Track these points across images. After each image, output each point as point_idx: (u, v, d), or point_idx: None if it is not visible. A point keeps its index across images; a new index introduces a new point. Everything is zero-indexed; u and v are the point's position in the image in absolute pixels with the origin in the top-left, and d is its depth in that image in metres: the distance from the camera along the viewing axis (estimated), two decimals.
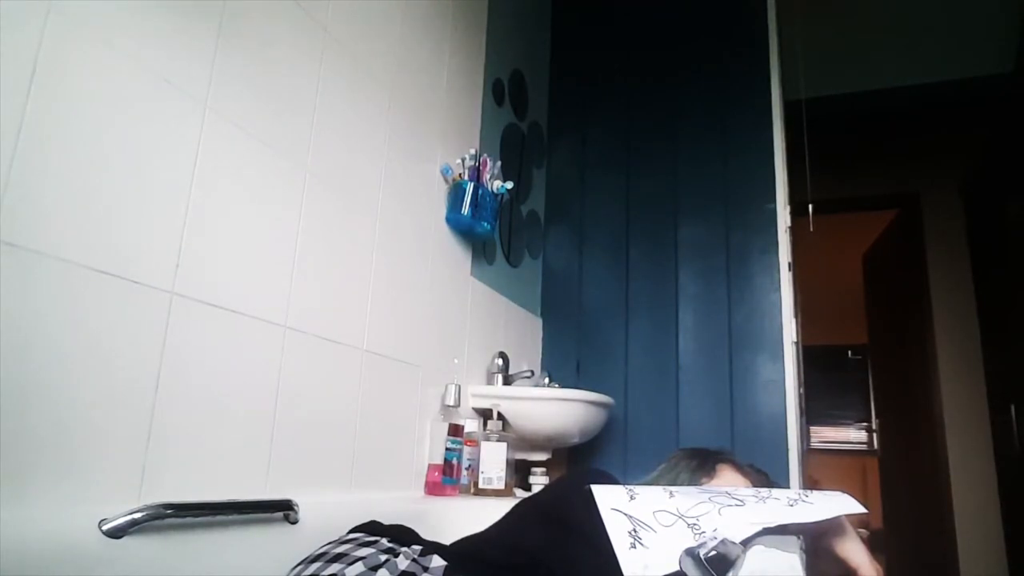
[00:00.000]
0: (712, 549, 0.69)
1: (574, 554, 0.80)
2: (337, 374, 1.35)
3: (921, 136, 3.69)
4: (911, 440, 3.73)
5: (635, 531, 0.70)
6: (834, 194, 3.71)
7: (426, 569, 0.78)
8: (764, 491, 0.76)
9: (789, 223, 2.22)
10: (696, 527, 0.70)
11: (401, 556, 0.80)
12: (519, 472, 2.04)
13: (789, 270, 2.18)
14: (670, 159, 2.44)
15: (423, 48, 1.75)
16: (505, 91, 2.25)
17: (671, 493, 0.77)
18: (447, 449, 1.63)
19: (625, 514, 0.72)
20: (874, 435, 4.88)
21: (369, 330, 1.46)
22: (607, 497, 0.75)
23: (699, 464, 1.12)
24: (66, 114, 0.84)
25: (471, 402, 1.89)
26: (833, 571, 0.73)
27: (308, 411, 1.25)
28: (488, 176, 1.87)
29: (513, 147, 2.29)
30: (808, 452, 2.27)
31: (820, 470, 4.95)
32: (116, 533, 0.78)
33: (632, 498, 0.75)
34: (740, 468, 1.13)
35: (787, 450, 2.03)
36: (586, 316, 2.43)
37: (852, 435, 6.01)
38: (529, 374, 2.16)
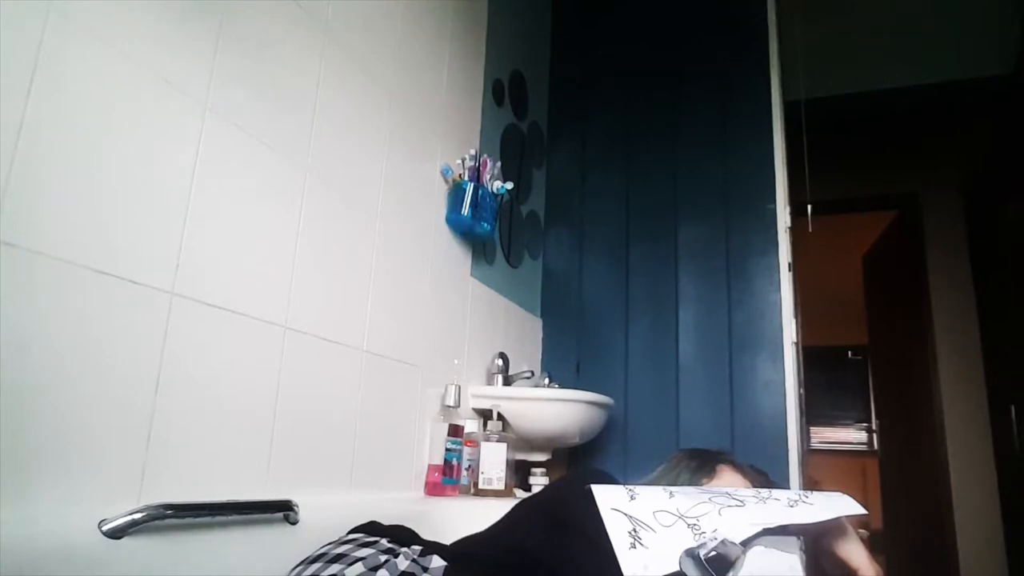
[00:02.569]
0: (712, 550, 0.69)
1: (574, 554, 0.80)
2: (337, 374, 1.35)
3: (921, 137, 3.69)
4: (911, 440, 3.73)
5: (635, 531, 0.70)
6: (834, 195, 3.70)
7: (426, 569, 0.78)
8: (764, 492, 0.76)
9: (789, 224, 2.22)
10: (696, 527, 0.70)
11: (401, 556, 0.80)
12: (519, 473, 2.04)
13: (789, 271, 2.18)
14: (670, 159, 2.44)
15: (423, 48, 1.75)
16: (505, 91, 2.25)
17: (671, 493, 0.77)
18: (447, 450, 1.63)
19: (625, 514, 0.72)
20: (874, 435, 4.88)
21: (369, 330, 1.46)
22: (607, 497, 0.75)
23: (699, 465, 1.12)
24: (66, 114, 0.84)
25: (471, 403, 1.89)
26: (833, 572, 0.72)
27: (308, 411, 1.25)
28: (488, 176, 1.87)
29: (513, 147, 2.29)
30: (808, 452, 2.27)
31: (820, 470, 4.95)
32: (116, 533, 0.78)
33: (632, 498, 0.75)
34: (740, 469, 1.13)
35: (787, 451, 2.03)
36: (586, 317, 2.43)
37: (852, 435, 6.01)
38: (529, 375, 2.15)
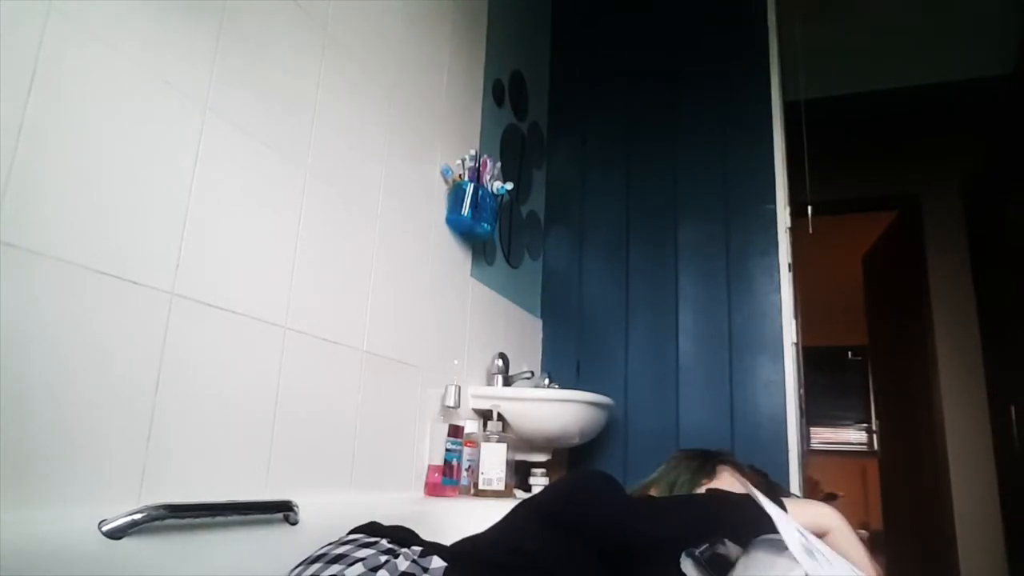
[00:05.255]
0: (710, 550, 0.69)
1: (574, 555, 0.80)
2: (337, 375, 1.35)
3: (921, 137, 3.69)
4: (911, 440, 3.73)
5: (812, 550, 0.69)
6: (834, 195, 3.70)
7: (426, 570, 0.78)
8: None
9: (789, 224, 2.22)
10: None
11: (401, 557, 0.80)
12: (519, 473, 2.04)
13: (789, 271, 2.18)
14: (670, 159, 2.44)
15: (423, 48, 1.75)
16: (505, 92, 2.25)
17: None
18: (447, 450, 1.63)
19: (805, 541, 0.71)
20: (874, 436, 4.88)
21: (369, 331, 1.46)
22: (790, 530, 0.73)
23: (699, 465, 1.12)
24: (66, 114, 0.84)
25: (471, 403, 1.89)
26: None
27: (308, 412, 1.25)
28: (488, 177, 1.87)
29: (513, 148, 2.29)
30: (808, 453, 2.27)
31: (820, 471, 4.95)
32: (116, 534, 0.78)
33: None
34: (740, 469, 1.13)
35: (787, 451, 2.03)
36: (586, 317, 2.43)
37: (852, 436, 6.00)
38: (529, 375, 2.15)
